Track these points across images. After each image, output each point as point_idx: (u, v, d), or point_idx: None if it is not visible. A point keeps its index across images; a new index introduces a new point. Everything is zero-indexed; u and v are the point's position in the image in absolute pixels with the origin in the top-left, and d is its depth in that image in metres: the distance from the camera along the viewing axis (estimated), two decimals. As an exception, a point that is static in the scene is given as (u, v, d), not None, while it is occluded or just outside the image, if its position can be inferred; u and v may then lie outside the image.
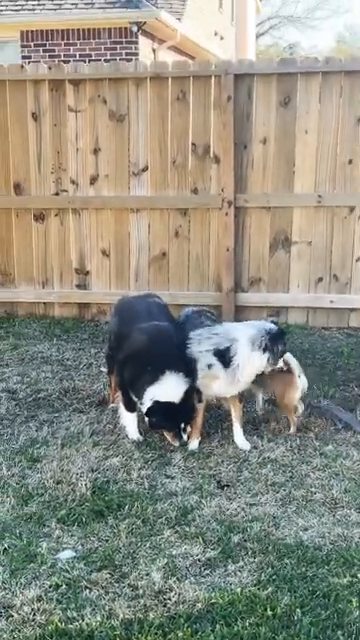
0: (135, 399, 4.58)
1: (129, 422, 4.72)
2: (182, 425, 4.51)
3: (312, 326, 7.19)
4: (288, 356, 4.71)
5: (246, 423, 4.85)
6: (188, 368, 4.47)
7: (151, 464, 4.35)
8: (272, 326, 4.55)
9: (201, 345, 4.53)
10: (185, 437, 4.54)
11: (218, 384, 4.48)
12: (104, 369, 5.96)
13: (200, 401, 4.59)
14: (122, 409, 4.75)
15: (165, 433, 4.58)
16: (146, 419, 4.50)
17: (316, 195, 6.96)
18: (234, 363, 4.39)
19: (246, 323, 4.72)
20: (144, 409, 4.46)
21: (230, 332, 4.52)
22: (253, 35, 31.02)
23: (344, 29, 51.81)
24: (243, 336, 4.44)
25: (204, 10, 20.25)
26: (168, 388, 4.38)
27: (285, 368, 4.66)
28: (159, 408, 4.39)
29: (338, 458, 4.41)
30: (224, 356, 4.41)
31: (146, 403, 4.43)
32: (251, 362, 4.42)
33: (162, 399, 4.37)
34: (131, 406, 4.68)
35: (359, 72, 6.78)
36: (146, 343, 4.59)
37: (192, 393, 4.48)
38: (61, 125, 7.25)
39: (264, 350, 4.41)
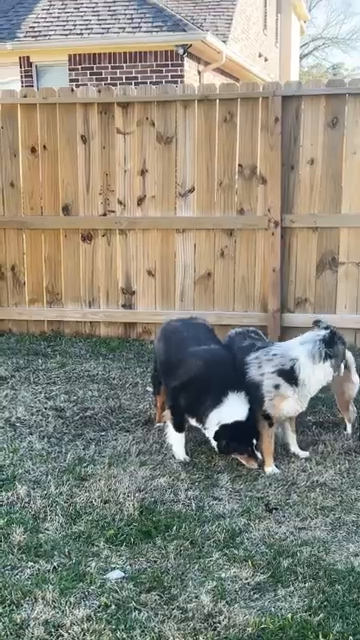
0: (194, 423, 4.60)
1: (177, 442, 4.72)
2: (254, 443, 4.47)
3: None
4: (346, 353, 4.81)
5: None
6: (246, 389, 4.50)
7: (198, 485, 4.34)
8: (324, 332, 4.57)
9: (262, 368, 4.55)
10: (260, 455, 4.50)
11: (288, 404, 4.53)
12: (149, 388, 5.99)
13: (270, 425, 4.56)
14: (171, 429, 4.74)
15: (239, 457, 4.53)
16: (214, 445, 4.47)
17: (364, 216, 6.91)
18: (301, 381, 4.48)
19: (299, 339, 4.71)
20: (210, 434, 4.46)
21: (289, 351, 4.57)
22: (297, 56, 31.15)
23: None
24: (303, 353, 4.51)
25: (249, 32, 20.41)
26: (232, 409, 4.38)
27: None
28: (227, 431, 4.38)
29: (388, 483, 4.34)
30: (290, 376, 4.48)
31: (212, 428, 4.43)
32: (317, 375, 4.51)
33: (229, 421, 4.36)
34: (181, 427, 4.70)
35: None
36: (203, 368, 4.59)
37: (253, 413, 4.46)
38: (109, 147, 7.35)
39: (325, 360, 4.48)
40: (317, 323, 4.77)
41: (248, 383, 4.54)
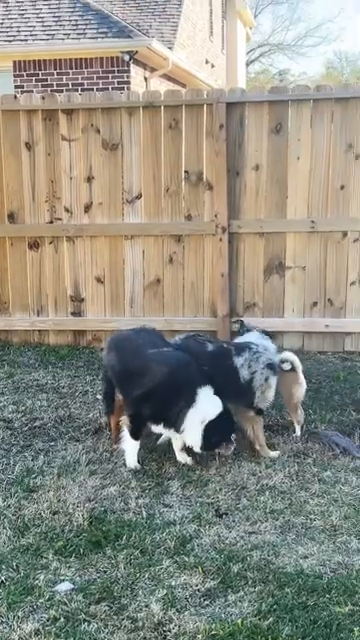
0: (159, 429, 4.64)
1: (131, 449, 4.68)
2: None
3: (307, 350, 7.20)
4: (292, 355, 5.06)
5: (243, 450, 4.84)
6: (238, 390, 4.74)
7: (149, 492, 4.32)
8: (260, 332, 5.15)
9: (252, 367, 4.77)
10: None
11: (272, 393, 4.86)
12: (99, 396, 5.95)
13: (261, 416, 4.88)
14: (127, 435, 4.67)
15: (218, 449, 4.62)
16: (200, 443, 4.48)
17: (309, 220, 7.01)
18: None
19: (254, 335, 5.12)
20: (189, 434, 4.48)
21: (266, 347, 4.91)
22: (243, 63, 31.46)
23: (334, 56, 52.58)
24: (270, 347, 4.95)
25: (195, 39, 20.53)
26: (211, 404, 4.47)
27: (289, 367, 5.01)
28: (214, 425, 4.44)
29: (337, 484, 4.39)
30: (274, 368, 4.86)
31: (191, 428, 4.45)
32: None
33: (213, 416, 4.44)
34: (138, 434, 4.68)
35: (349, 99, 6.86)
36: (170, 371, 4.59)
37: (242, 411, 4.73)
38: (55, 154, 7.30)
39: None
40: (241, 324, 5.39)
41: (241, 384, 4.72)
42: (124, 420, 4.74)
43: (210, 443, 4.52)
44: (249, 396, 4.76)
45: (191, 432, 4.49)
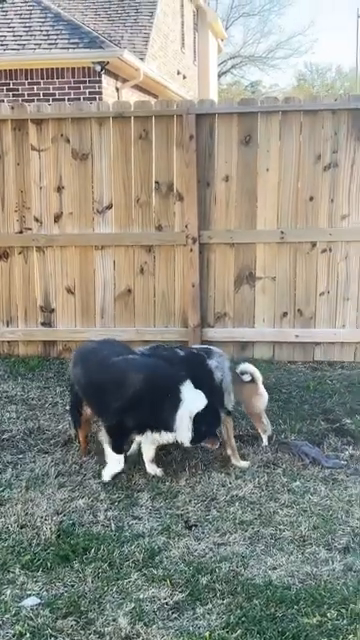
0: (144, 437, 4.59)
1: (115, 465, 4.59)
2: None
3: (278, 360, 7.23)
4: (251, 367, 5.12)
5: (214, 460, 4.84)
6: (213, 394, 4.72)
7: (118, 505, 4.29)
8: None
9: (223, 367, 4.92)
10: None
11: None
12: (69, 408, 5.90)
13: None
14: (110, 451, 4.58)
15: (206, 443, 4.61)
16: (189, 436, 4.45)
17: (279, 231, 7.05)
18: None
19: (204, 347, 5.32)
20: (183, 431, 4.45)
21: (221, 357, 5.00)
22: (215, 74, 31.67)
23: (305, 68, 53.10)
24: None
25: (167, 50, 20.62)
26: (196, 398, 4.48)
27: (249, 379, 5.07)
28: (201, 417, 4.44)
29: (306, 494, 4.40)
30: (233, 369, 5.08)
31: (184, 425, 4.43)
32: None
33: (200, 408, 4.44)
34: (122, 448, 4.63)
35: (318, 111, 6.93)
36: (148, 376, 4.57)
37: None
38: (24, 164, 7.26)
39: None
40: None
41: (216, 385, 4.79)
42: (103, 436, 4.65)
43: (200, 435, 4.50)
44: (222, 396, 4.83)
45: (182, 428, 4.47)
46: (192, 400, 4.47)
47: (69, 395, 5.25)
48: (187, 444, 4.53)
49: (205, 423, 4.49)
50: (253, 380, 5.10)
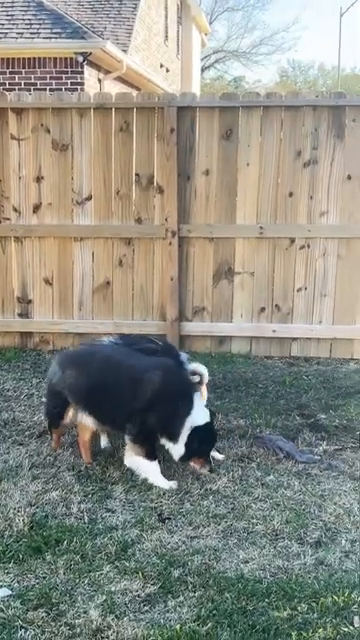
0: (165, 440, 4.41)
1: (155, 471, 4.42)
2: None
3: (255, 355, 7.25)
4: (202, 368, 4.95)
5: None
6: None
7: (91, 497, 4.28)
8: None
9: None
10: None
11: None
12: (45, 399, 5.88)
13: None
14: (144, 461, 4.41)
15: (194, 462, 4.46)
16: (181, 452, 4.35)
17: (258, 226, 7.06)
18: None
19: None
20: (181, 442, 4.33)
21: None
22: (198, 68, 31.61)
23: (288, 64, 53.19)
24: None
25: (150, 43, 20.54)
26: (201, 411, 4.40)
27: (198, 380, 4.89)
28: (197, 433, 4.33)
29: (279, 488, 4.42)
30: None
31: (184, 434, 4.32)
32: None
33: (200, 423, 4.35)
34: (154, 454, 4.44)
35: (299, 107, 6.94)
36: (165, 378, 4.43)
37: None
38: (3, 153, 7.20)
39: None
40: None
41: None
42: (132, 447, 4.44)
43: (190, 451, 4.36)
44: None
45: (180, 442, 4.35)
46: (198, 412, 4.37)
47: (50, 399, 4.95)
48: (176, 458, 4.42)
49: (201, 441, 4.38)
50: (201, 381, 4.89)
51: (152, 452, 4.42)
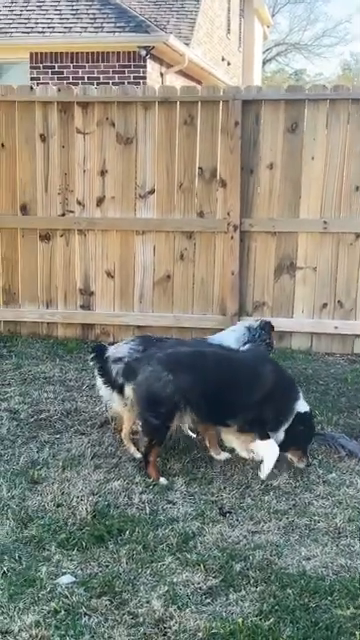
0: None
1: (274, 451, 4.45)
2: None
3: (316, 352, 7.17)
4: None
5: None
6: None
7: (153, 489, 4.31)
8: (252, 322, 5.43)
9: None
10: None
11: None
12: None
13: None
14: (270, 447, 4.41)
15: (292, 453, 4.54)
16: (281, 437, 4.45)
17: (322, 221, 6.98)
18: None
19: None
20: (283, 430, 4.45)
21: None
22: (260, 61, 31.37)
23: (350, 57, 52.33)
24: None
25: (212, 36, 20.48)
26: (303, 401, 4.58)
27: None
28: (300, 420, 4.50)
29: (342, 486, 4.37)
30: None
31: (289, 420, 4.46)
32: None
33: (303, 410, 4.52)
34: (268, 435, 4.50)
35: (366, 100, 6.82)
36: (274, 368, 4.65)
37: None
38: (69, 147, 7.29)
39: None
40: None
41: None
42: (244, 436, 4.50)
43: (296, 435, 4.51)
44: None
45: (282, 430, 4.51)
46: (301, 402, 4.55)
47: (160, 412, 4.42)
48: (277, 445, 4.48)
49: (298, 433, 4.50)
50: None
51: (267, 434, 4.45)
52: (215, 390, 4.42)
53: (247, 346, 5.14)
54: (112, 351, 4.92)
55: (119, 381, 4.74)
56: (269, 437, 4.44)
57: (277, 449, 4.42)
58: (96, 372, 4.97)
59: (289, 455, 4.53)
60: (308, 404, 4.63)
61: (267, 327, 5.38)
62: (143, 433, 4.57)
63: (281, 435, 4.45)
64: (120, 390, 4.75)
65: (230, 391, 4.47)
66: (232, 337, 5.23)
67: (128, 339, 5.23)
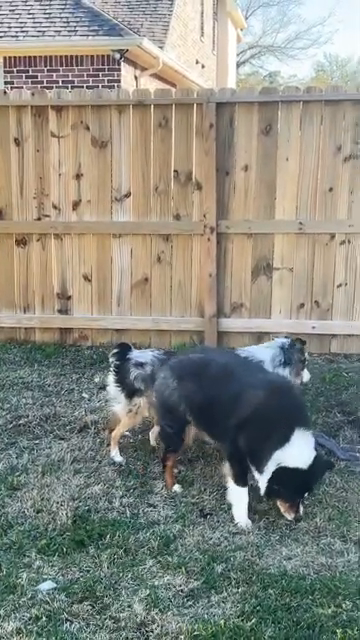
0: (253, 468, 3.90)
1: (241, 500, 3.97)
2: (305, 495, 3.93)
3: (293, 352, 7.19)
4: None
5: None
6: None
7: (133, 492, 4.30)
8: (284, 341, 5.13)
9: None
10: (302, 511, 3.89)
11: None
12: (85, 395, 5.93)
13: None
14: (232, 484, 4.00)
15: (280, 503, 3.91)
16: (264, 487, 3.81)
17: (297, 222, 7.01)
18: None
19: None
20: (265, 477, 3.79)
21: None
22: (234, 64, 31.49)
23: (324, 58, 52.71)
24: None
25: (186, 39, 20.52)
26: (298, 451, 3.77)
27: None
28: (284, 475, 3.74)
29: (321, 485, 4.38)
30: None
31: (269, 468, 3.76)
32: None
33: (290, 465, 3.73)
34: (245, 479, 3.99)
35: (339, 102, 6.86)
36: (267, 399, 3.96)
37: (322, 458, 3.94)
38: (44, 151, 7.26)
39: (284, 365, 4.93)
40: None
41: None
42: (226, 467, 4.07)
43: (270, 490, 3.82)
44: None
45: (265, 475, 3.84)
46: (293, 450, 3.81)
47: (168, 418, 4.37)
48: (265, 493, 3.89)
49: (281, 483, 3.81)
50: None
51: (243, 475, 4.01)
52: (206, 402, 4.17)
53: (285, 370, 4.91)
54: (135, 354, 4.86)
55: (135, 386, 4.68)
56: (242, 480, 3.97)
57: (245, 499, 3.97)
58: (112, 368, 4.82)
59: (277, 502, 3.94)
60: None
61: (300, 345, 5.14)
62: (160, 438, 4.63)
63: (262, 484, 3.83)
64: (130, 395, 4.69)
65: (215, 406, 4.12)
66: (267, 354, 4.92)
67: (154, 349, 5.17)
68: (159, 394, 4.40)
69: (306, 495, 3.93)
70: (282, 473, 3.73)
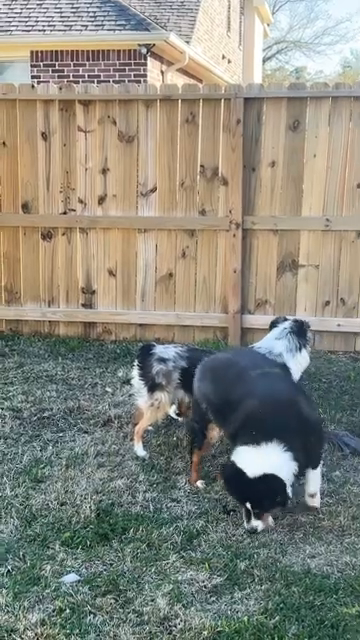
0: None
1: None
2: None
3: (318, 349, 7.14)
4: None
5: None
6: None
7: (156, 487, 4.31)
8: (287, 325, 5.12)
9: None
10: (260, 526, 3.75)
11: None
12: (109, 389, 5.95)
13: None
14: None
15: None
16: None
17: (324, 219, 6.96)
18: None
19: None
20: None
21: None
22: (260, 59, 31.34)
23: (350, 54, 52.26)
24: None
25: (212, 34, 20.45)
26: (255, 457, 3.70)
27: None
28: (230, 470, 3.79)
29: (345, 484, 4.36)
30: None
31: (232, 457, 3.85)
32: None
33: (238, 464, 3.73)
34: None
35: (368, 97, 6.80)
36: (266, 406, 3.89)
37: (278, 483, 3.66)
38: (70, 145, 7.28)
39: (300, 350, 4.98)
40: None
41: None
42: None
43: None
44: None
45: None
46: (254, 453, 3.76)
47: (196, 414, 4.44)
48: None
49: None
50: None
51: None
52: (220, 402, 4.18)
53: (303, 353, 4.96)
54: (159, 349, 4.91)
55: (156, 380, 4.72)
56: None
57: None
58: (136, 363, 4.86)
59: None
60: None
61: (304, 327, 5.15)
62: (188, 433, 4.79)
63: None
64: (152, 389, 4.74)
65: (222, 402, 4.15)
66: (282, 346, 4.92)
67: (177, 344, 5.24)
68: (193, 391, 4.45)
69: (248, 506, 3.72)
70: (230, 467, 3.78)
